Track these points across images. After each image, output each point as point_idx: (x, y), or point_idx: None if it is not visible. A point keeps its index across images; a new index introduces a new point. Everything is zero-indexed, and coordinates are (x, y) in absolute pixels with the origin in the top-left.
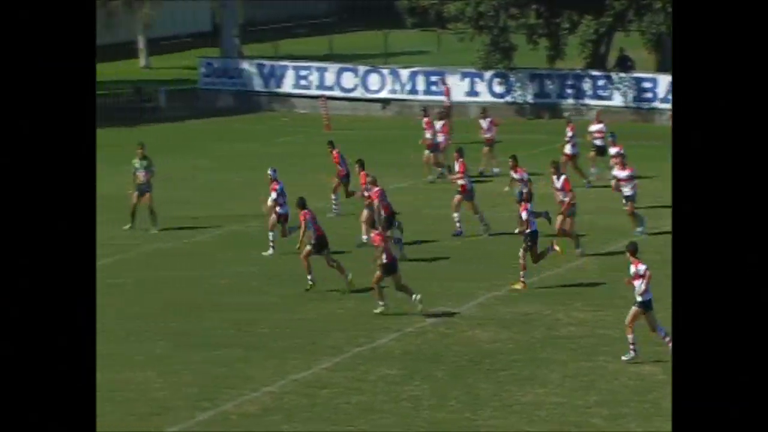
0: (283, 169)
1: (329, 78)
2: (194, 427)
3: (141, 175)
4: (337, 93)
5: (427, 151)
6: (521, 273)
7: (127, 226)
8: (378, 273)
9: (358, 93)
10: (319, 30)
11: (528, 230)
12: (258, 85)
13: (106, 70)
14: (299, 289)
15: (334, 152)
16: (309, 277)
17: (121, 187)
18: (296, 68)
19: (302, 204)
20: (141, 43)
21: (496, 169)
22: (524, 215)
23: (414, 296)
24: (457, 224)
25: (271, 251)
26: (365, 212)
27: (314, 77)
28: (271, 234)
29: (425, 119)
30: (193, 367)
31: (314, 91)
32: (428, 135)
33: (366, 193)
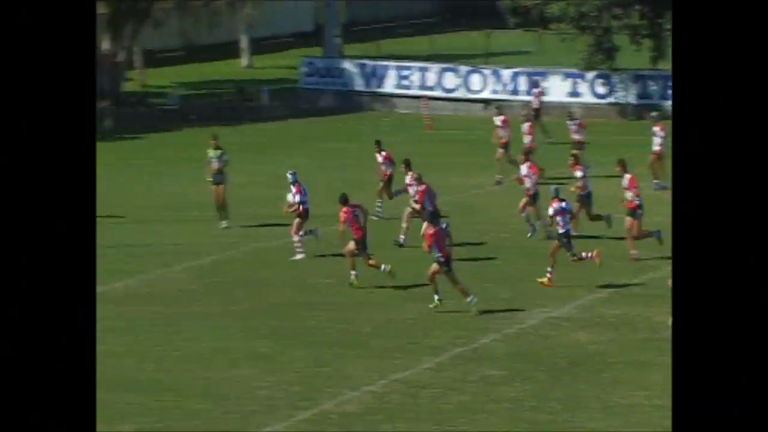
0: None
1: (431, 78)
2: (295, 425)
3: (215, 165)
4: (438, 93)
5: (501, 150)
6: (548, 269)
7: (224, 224)
8: (434, 267)
9: (460, 93)
10: (421, 30)
11: (560, 230)
12: (359, 84)
13: (208, 70)
14: (401, 288)
15: (382, 153)
16: (353, 273)
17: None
18: (398, 68)
19: (344, 200)
20: (243, 43)
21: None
22: (551, 211)
23: (470, 298)
24: (530, 224)
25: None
26: (407, 210)
27: (416, 77)
28: (298, 236)
29: (499, 118)
30: (295, 366)
31: (416, 92)
32: (501, 133)
33: (411, 191)
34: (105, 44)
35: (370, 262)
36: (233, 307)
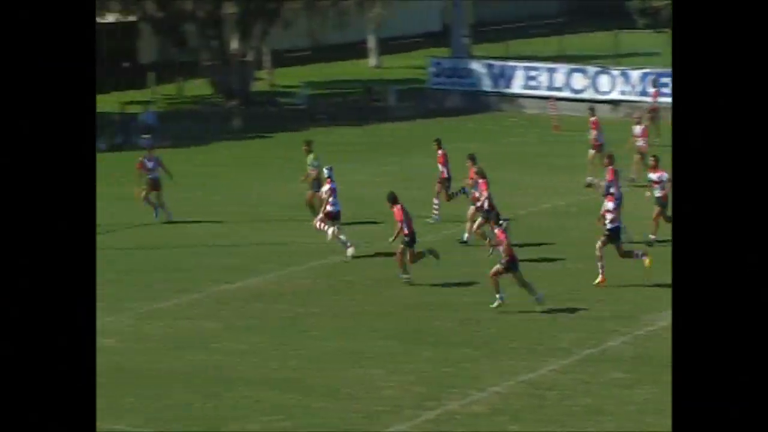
0: (510, 169)
1: (559, 79)
2: (421, 425)
3: (313, 172)
4: (566, 94)
5: (592, 151)
6: (599, 265)
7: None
8: (498, 267)
9: (588, 94)
10: (549, 30)
11: (610, 225)
12: (487, 85)
13: (336, 70)
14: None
15: (440, 152)
16: (406, 275)
17: (351, 186)
18: (526, 69)
19: (393, 199)
20: (371, 43)
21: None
22: (607, 206)
23: (537, 295)
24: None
25: (351, 250)
26: (471, 208)
27: (544, 78)
28: (324, 226)
29: (592, 119)
30: (421, 366)
31: (544, 92)
32: (594, 134)
33: (471, 187)
34: (234, 44)
35: (414, 255)
36: (359, 306)
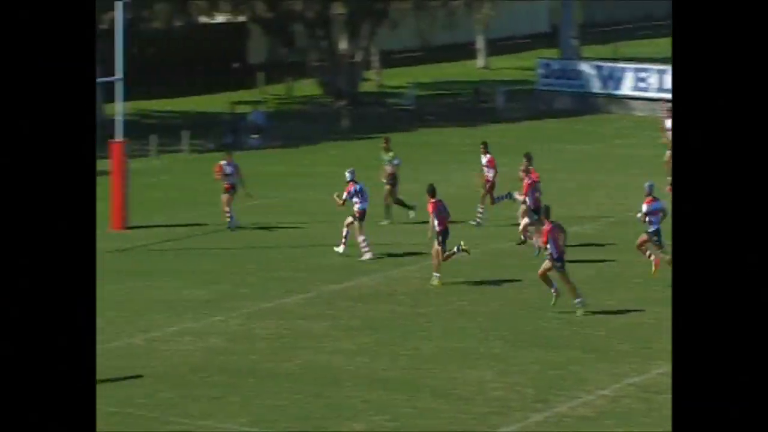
0: (618, 171)
1: (669, 81)
2: (529, 427)
3: (389, 168)
4: None
5: (669, 152)
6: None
7: (414, 217)
8: (546, 264)
9: None
10: (659, 32)
11: (651, 228)
12: (596, 87)
13: (444, 71)
14: (638, 292)
15: (488, 157)
16: (436, 274)
17: (458, 188)
18: (635, 71)
19: (431, 192)
20: (479, 44)
21: None
22: (645, 208)
23: (579, 299)
24: None
25: (342, 248)
26: (522, 208)
27: (654, 80)
28: (345, 230)
29: (668, 120)
30: (529, 368)
31: (653, 94)
32: (670, 136)
33: (526, 181)
34: (343, 44)
35: (445, 255)
36: (468, 307)
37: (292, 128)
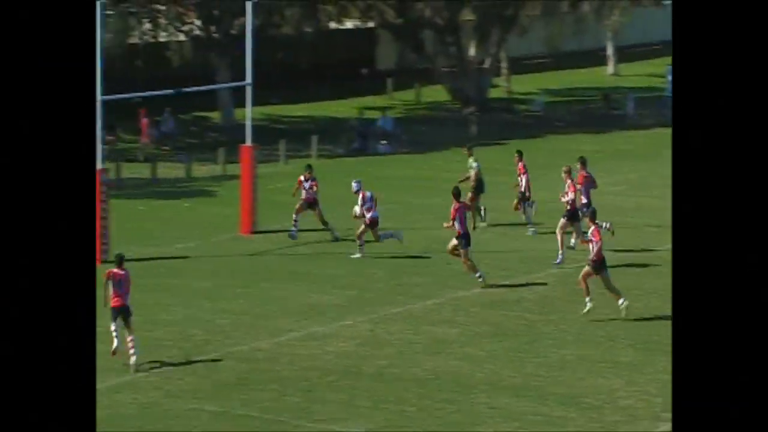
0: None
1: None
2: None
3: (472, 174)
4: None
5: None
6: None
7: (483, 224)
8: (586, 269)
9: None
10: None
11: None
12: None
13: (573, 77)
14: None
15: (520, 164)
16: (478, 274)
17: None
18: None
19: (456, 194)
20: (609, 50)
21: None
22: None
23: (621, 301)
24: None
25: (359, 254)
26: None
27: None
28: (359, 240)
29: None
30: (658, 377)
31: None
32: None
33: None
34: (471, 51)
35: (468, 262)
36: (596, 314)
37: (420, 134)
